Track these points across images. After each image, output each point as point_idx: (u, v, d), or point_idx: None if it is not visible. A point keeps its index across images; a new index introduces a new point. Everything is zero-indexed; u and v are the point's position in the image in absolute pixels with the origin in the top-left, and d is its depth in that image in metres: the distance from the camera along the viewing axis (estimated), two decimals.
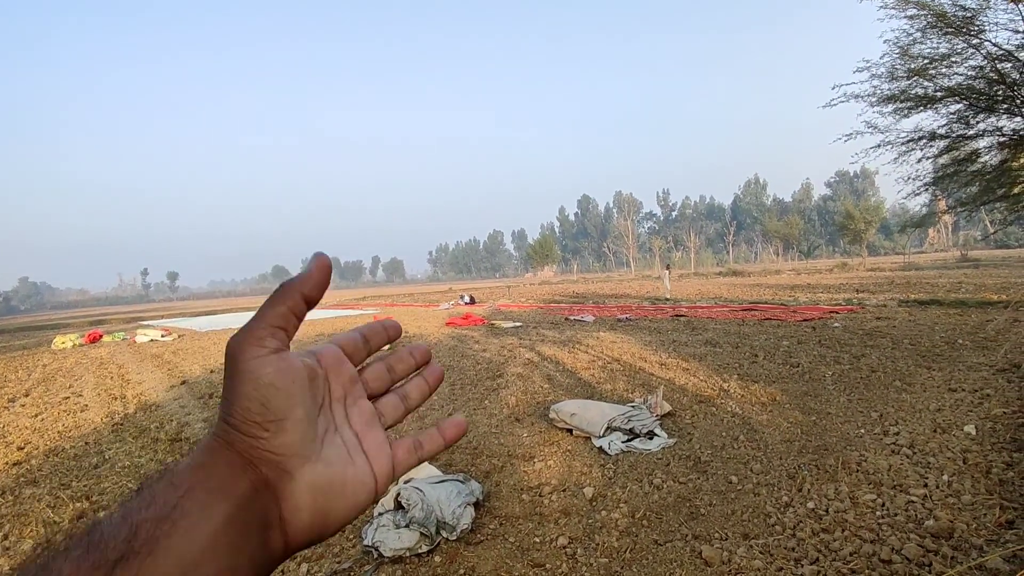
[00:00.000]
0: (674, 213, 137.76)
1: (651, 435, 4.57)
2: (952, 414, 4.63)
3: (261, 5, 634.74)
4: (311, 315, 24.66)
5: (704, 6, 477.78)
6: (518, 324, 13.93)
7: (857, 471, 3.66)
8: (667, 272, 22.82)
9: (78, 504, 4.04)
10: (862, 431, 4.43)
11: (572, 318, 14.83)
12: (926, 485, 3.36)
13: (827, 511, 3.16)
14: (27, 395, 8.82)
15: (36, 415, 7.27)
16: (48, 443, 5.83)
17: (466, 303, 25.85)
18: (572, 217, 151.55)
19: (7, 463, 5.19)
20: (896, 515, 3.04)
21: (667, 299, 19.68)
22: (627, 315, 14.77)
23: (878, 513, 3.08)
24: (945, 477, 3.44)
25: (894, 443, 4.09)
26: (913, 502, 3.15)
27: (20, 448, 5.68)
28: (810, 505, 3.25)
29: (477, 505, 3.48)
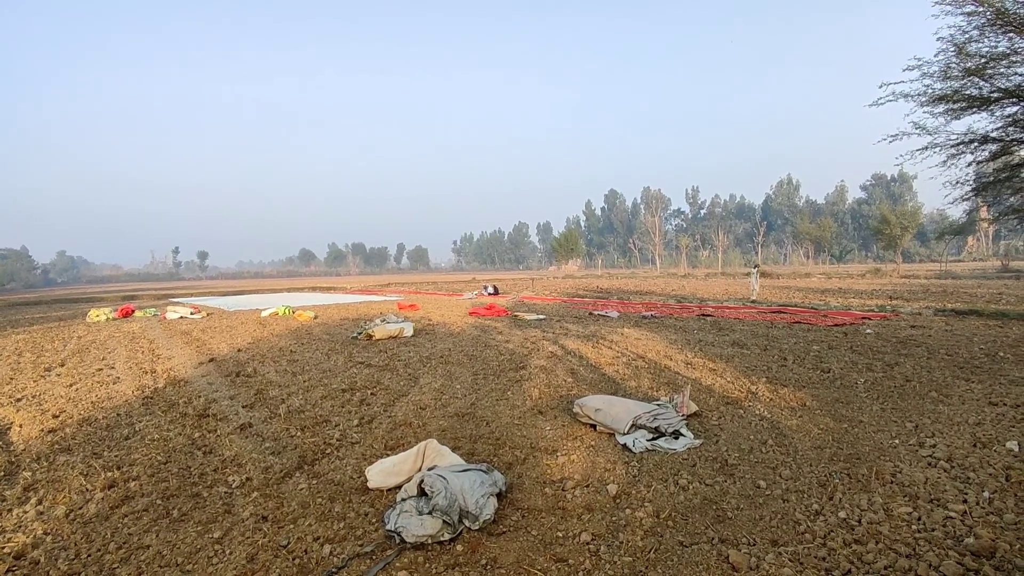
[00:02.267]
0: (702, 211, 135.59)
1: (677, 435, 4.50)
2: (993, 429, 4.46)
3: None
4: (337, 299, 25.04)
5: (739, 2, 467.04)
6: (541, 317, 13.88)
7: (891, 482, 3.55)
8: (756, 272, 21.12)
9: (109, 473, 4.15)
10: (896, 441, 4.30)
11: (596, 313, 14.73)
12: (965, 501, 3.24)
13: (860, 522, 3.07)
14: (63, 365, 9.10)
15: (71, 385, 7.49)
16: (82, 412, 6.00)
17: (489, 294, 25.87)
18: (599, 211, 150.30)
19: (43, 430, 5.36)
20: (933, 530, 2.93)
21: (752, 300, 18.16)
22: (652, 312, 14.61)
23: (914, 527, 2.98)
24: (986, 494, 3.31)
25: (931, 455, 3.96)
26: (951, 518, 3.04)
27: (55, 416, 5.86)
28: (842, 515, 3.16)
29: (500, 496, 3.47)
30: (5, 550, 3.08)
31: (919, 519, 3.06)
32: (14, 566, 2.94)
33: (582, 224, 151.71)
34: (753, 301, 18.01)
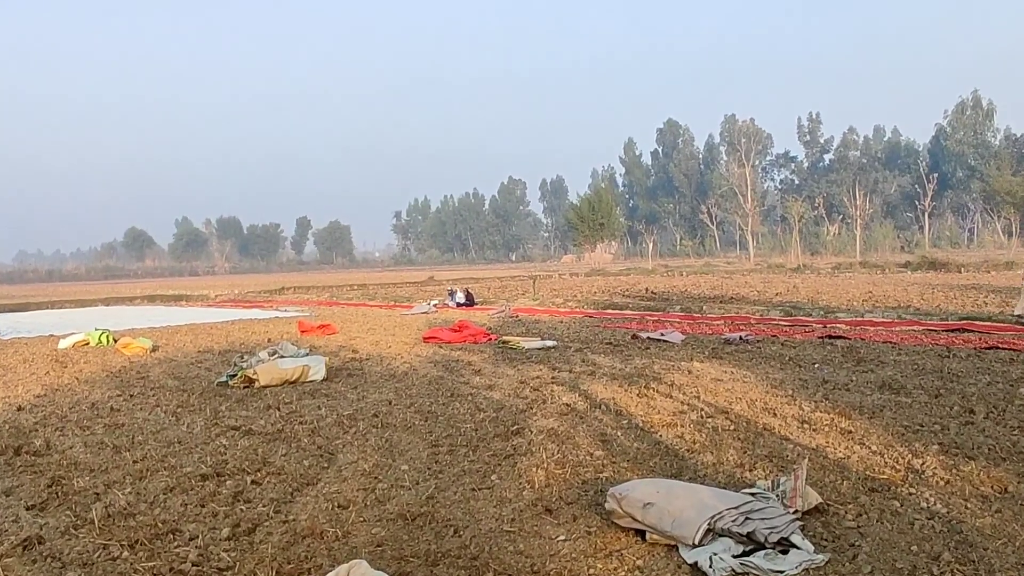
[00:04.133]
0: (828, 156, 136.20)
1: (786, 545, 4.53)
2: None
3: None
4: (193, 315, 24.88)
5: None
6: (549, 343, 13.92)
7: None
8: None
9: None
10: None
11: (645, 335, 14.78)
12: None
13: None
14: None
15: None
16: None
17: (459, 304, 25.90)
18: (648, 159, 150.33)
19: None
20: None
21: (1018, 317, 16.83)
22: (742, 333, 14.67)
23: None
24: None
25: None
26: None
27: None
28: None
29: None
30: None
31: None
32: None
33: (619, 181, 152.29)
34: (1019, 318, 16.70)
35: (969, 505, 5.21)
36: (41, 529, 5.51)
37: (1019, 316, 16.68)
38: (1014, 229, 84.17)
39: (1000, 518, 4.96)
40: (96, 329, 18.48)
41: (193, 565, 4.79)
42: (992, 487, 5.51)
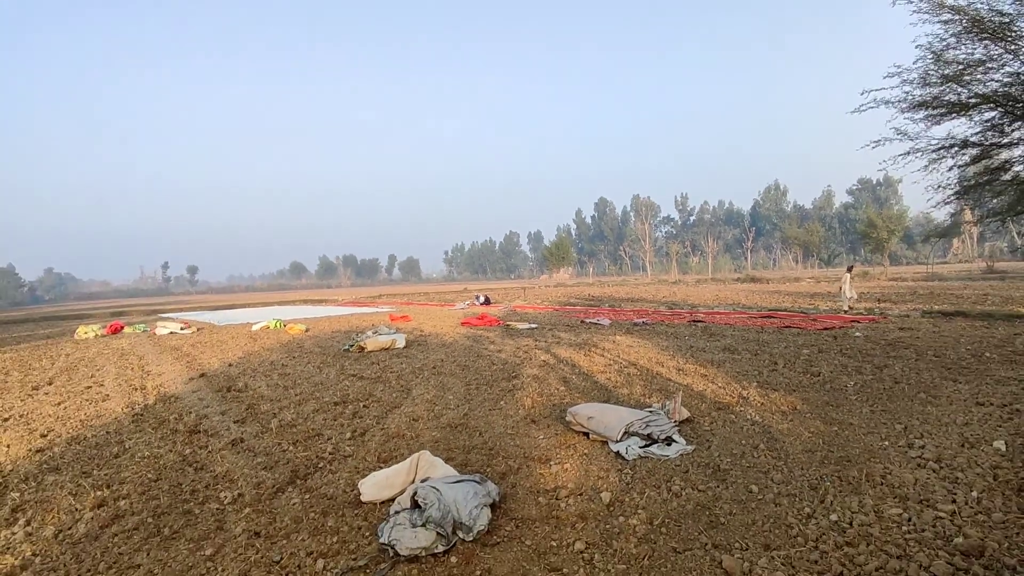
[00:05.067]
0: (692, 218, 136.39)
1: (669, 441, 4.52)
2: (980, 428, 4.52)
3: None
4: (328, 311, 24.93)
5: (722, 10, 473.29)
6: (533, 326, 13.90)
7: (881, 484, 3.58)
8: (848, 276, 16.40)
9: (99, 492, 4.10)
10: (886, 443, 4.34)
11: (588, 321, 14.77)
12: (954, 501, 3.27)
13: (851, 524, 3.09)
14: (51, 383, 8.99)
15: (59, 403, 7.40)
16: (70, 431, 5.93)
17: (481, 303, 25.89)
18: (589, 220, 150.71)
19: (31, 450, 5.29)
20: (923, 531, 2.96)
21: (846, 310, 15.20)
22: (644, 319, 14.66)
23: (904, 528, 3.01)
24: (974, 493, 3.35)
25: (920, 456, 4.00)
26: (941, 518, 3.07)
27: (43, 435, 5.79)
28: (833, 517, 3.18)
29: (493, 506, 3.46)
30: None
31: (909, 520, 3.09)
32: None
33: (573, 232, 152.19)
34: (847, 311, 14.98)
35: (775, 417, 5.20)
36: (242, 434, 5.50)
37: (846, 310, 15.17)
38: (799, 259, 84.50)
39: (792, 424, 4.95)
40: (273, 319, 18.55)
41: (329, 454, 4.79)
42: (787, 407, 5.50)
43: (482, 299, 26.96)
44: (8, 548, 3.31)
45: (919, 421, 4.84)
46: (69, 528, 3.55)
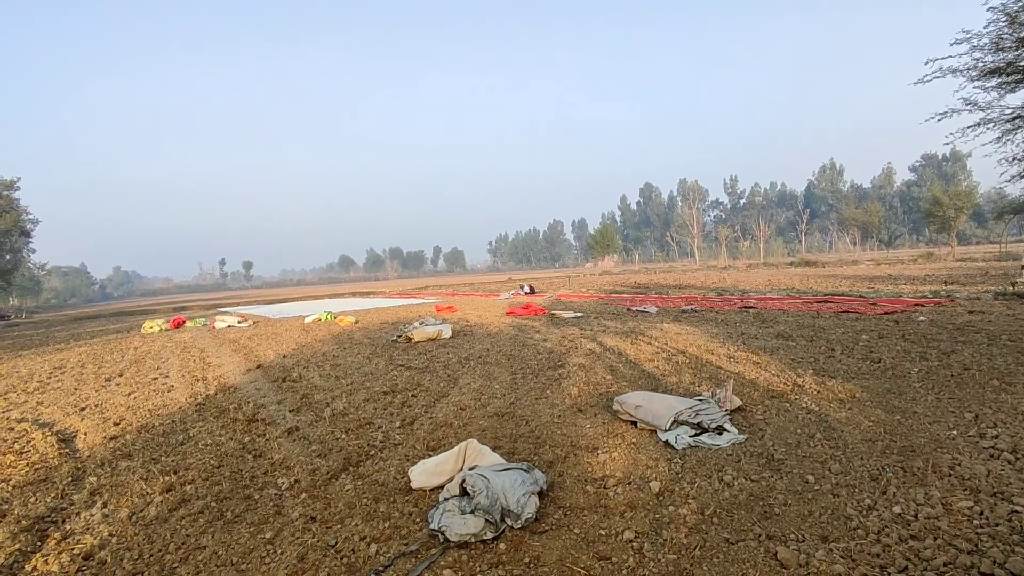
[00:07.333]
0: (742, 201, 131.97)
1: (720, 430, 4.42)
2: None
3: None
4: (376, 303, 25.48)
5: None
6: (579, 314, 13.80)
7: (949, 475, 3.39)
8: None
9: (167, 478, 4.35)
10: (954, 433, 4.11)
11: (634, 309, 14.56)
12: None
13: (916, 517, 2.95)
14: (121, 375, 9.57)
15: (130, 393, 7.87)
16: (140, 420, 6.30)
17: (526, 293, 25.87)
18: (634, 206, 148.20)
19: (106, 437, 5.65)
20: (998, 525, 2.79)
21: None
22: (692, 306, 14.34)
23: (976, 522, 2.85)
24: None
25: (993, 447, 3.77)
26: (1018, 512, 2.89)
27: (116, 424, 6.18)
28: (896, 509, 3.04)
29: (541, 495, 3.48)
30: (75, 551, 3.27)
31: (981, 513, 2.92)
32: (83, 566, 3.12)
33: (617, 219, 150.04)
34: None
35: (832, 406, 5.00)
36: (297, 423, 5.71)
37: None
38: (856, 241, 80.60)
39: (851, 412, 4.75)
40: (325, 312, 19.07)
41: (380, 442, 4.91)
42: (845, 395, 5.28)
43: (527, 288, 26.95)
44: (88, 529, 3.56)
45: (992, 410, 4.55)
46: (141, 511, 3.79)
